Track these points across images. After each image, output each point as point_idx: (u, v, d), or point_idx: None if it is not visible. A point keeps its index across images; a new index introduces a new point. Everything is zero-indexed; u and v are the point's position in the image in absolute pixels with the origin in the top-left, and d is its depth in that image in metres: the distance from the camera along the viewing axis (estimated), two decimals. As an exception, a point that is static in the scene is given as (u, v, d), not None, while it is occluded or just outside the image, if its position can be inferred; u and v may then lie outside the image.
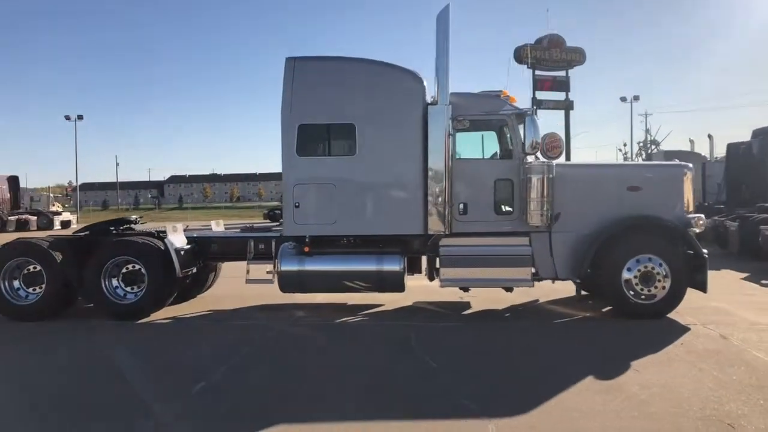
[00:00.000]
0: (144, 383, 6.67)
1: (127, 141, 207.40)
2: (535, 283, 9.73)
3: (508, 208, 9.74)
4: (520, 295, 11.01)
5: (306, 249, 9.82)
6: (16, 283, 10.05)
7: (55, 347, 8.42)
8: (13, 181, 45.45)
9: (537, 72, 38.23)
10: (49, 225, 42.97)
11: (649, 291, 9.36)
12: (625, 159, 58.29)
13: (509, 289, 10.15)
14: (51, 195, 59.21)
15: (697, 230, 9.64)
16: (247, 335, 8.78)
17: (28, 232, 39.27)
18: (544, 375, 6.74)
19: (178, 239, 10.05)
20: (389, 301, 10.87)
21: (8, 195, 44.58)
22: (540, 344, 8.20)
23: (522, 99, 10.15)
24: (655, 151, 52.26)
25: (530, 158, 9.81)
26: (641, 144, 60.00)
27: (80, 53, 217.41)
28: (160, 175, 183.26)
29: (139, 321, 9.68)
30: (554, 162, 9.78)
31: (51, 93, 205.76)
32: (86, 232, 10.75)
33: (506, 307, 10.52)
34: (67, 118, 66.94)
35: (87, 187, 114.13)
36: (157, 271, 9.74)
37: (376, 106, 9.68)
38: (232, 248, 10.60)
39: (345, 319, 9.84)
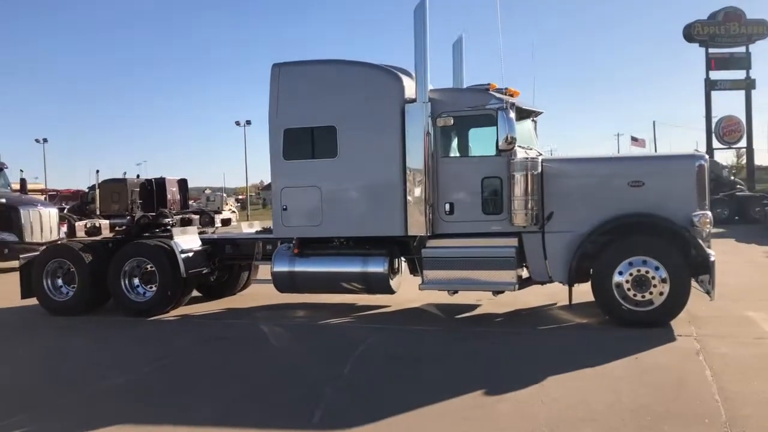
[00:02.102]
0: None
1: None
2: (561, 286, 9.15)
3: (496, 208, 9.28)
4: (538, 298, 10.39)
5: (295, 251, 10.04)
6: (59, 282, 11.22)
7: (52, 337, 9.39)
8: (182, 183, 49.91)
9: (710, 50, 35.60)
10: (211, 222, 46.69)
11: (643, 297, 8.50)
12: None
13: (496, 293, 9.66)
14: (224, 195, 64.24)
15: (704, 230, 8.57)
16: (215, 332, 9.32)
17: (192, 229, 42.78)
18: (439, 385, 6.40)
19: (186, 241, 10.67)
20: (398, 302, 10.71)
21: (178, 196, 49.04)
22: (484, 351, 7.78)
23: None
24: None
25: (526, 153, 9.31)
26: None
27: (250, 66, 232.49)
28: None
29: (151, 318, 10.42)
30: (541, 157, 9.18)
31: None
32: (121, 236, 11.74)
33: (508, 311, 10.01)
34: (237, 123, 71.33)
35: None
36: (165, 271, 10.43)
37: (355, 108, 9.64)
38: (244, 249, 11.07)
39: (330, 320, 9.91)
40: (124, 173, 43.08)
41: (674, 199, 8.79)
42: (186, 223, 44.84)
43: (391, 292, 9.88)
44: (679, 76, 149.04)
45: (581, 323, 9.04)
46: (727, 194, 29.32)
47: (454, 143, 9.70)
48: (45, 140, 69.68)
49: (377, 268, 9.64)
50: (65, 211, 38.49)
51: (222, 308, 11.22)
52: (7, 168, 20.83)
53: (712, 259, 8.38)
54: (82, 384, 6.96)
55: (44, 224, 18.97)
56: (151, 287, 10.71)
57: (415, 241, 9.66)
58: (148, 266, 10.70)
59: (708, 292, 8.53)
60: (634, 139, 66.37)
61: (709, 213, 8.60)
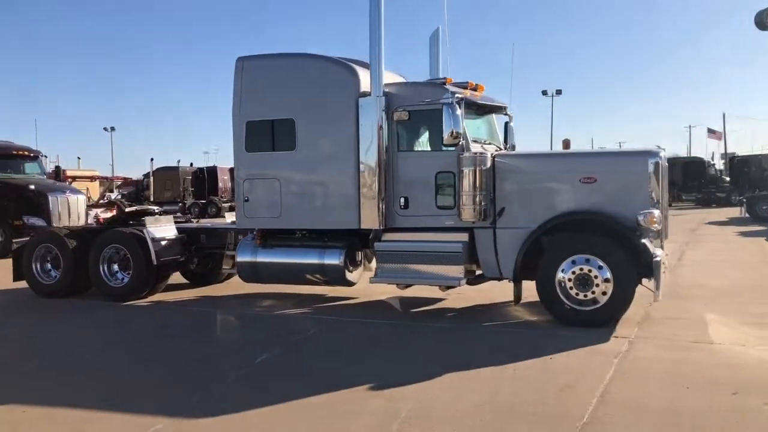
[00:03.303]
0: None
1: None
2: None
3: (449, 203, 9.23)
4: (507, 293, 10.24)
5: (257, 241, 10.25)
6: (48, 266, 11.77)
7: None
8: (234, 171, 51.09)
9: (786, 36, 33.96)
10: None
11: (585, 296, 8.32)
12: None
13: (444, 288, 9.60)
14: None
15: (651, 228, 8.31)
16: (171, 318, 9.69)
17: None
18: (338, 378, 6.45)
19: (160, 230, 11.01)
20: (368, 294, 10.74)
21: (230, 184, 50.25)
22: (412, 346, 7.79)
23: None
24: None
25: (483, 148, 9.26)
26: None
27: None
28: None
29: (126, 303, 10.83)
30: (489, 153, 9.07)
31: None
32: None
33: (465, 306, 9.95)
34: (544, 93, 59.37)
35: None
36: (139, 258, 10.81)
37: (312, 101, 9.73)
38: (219, 239, 11.35)
39: (290, 310, 10.07)
40: (178, 161, 44.36)
41: (626, 197, 8.56)
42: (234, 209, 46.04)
43: (349, 284, 9.97)
44: (751, 65, 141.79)
45: (530, 321, 8.92)
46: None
47: (410, 137, 9.66)
48: (113, 128, 72.81)
49: (333, 260, 9.74)
50: (118, 198, 40.04)
51: (198, 296, 11.55)
52: (44, 156, 21.91)
53: (657, 259, 8.13)
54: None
55: (72, 210, 19.82)
56: (128, 273, 11.11)
57: (371, 235, 9.70)
58: (126, 253, 11.10)
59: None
60: (711, 131, 64.04)
61: (657, 212, 8.30)
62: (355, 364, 7.05)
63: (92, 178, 37.21)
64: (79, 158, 55.27)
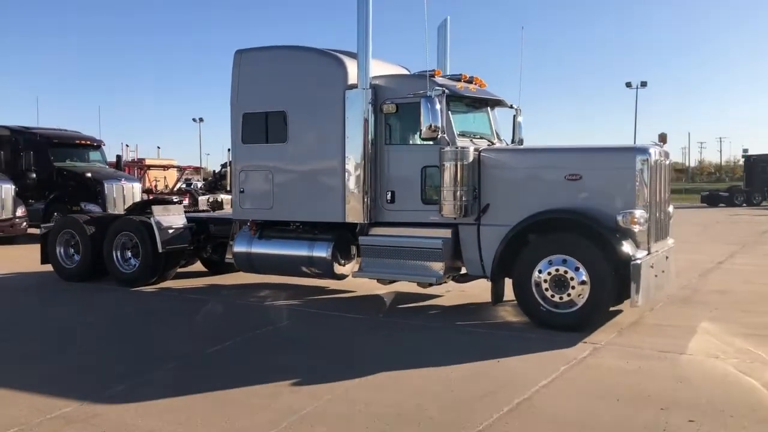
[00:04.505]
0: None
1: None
2: None
3: (434, 198, 9.04)
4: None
5: (252, 232, 10.38)
6: (71, 251, 12.34)
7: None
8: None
9: None
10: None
11: (561, 298, 7.97)
12: None
13: (424, 285, 9.40)
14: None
15: (632, 229, 7.85)
16: (161, 305, 10.04)
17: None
18: (267, 372, 6.44)
19: (168, 219, 11.31)
20: (367, 288, 10.68)
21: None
22: (370, 344, 7.67)
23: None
24: None
25: (473, 143, 9.03)
26: None
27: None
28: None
29: (135, 288, 11.21)
30: (472, 147, 8.79)
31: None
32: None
33: (453, 305, 9.73)
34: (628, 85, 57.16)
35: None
36: (147, 245, 11.16)
37: (303, 93, 9.74)
38: (226, 229, 11.55)
39: (279, 301, 10.17)
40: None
41: (611, 196, 8.14)
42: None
43: (338, 277, 9.95)
44: None
45: (509, 322, 8.63)
46: None
47: (398, 131, 9.50)
48: (201, 119, 75.46)
49: (321, 253, 9.74)
50: (195, 186, 41.35)
51: (207, 284, 11.82)
52: (104, 145, 22.95)
53: (636, 262, 7.68)
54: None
55: (127, 197, 20.64)
56: (140, 260, 11.49)
57: (357, 228, 9.63)
58: (136, 240, 11.49)
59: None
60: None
61: (638, 212, 7.83)
62: (300, 358, 7.01)
63: (165, 167, 38.58)
64: (158, 147, 57.63)
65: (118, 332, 8.31)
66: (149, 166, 36.99)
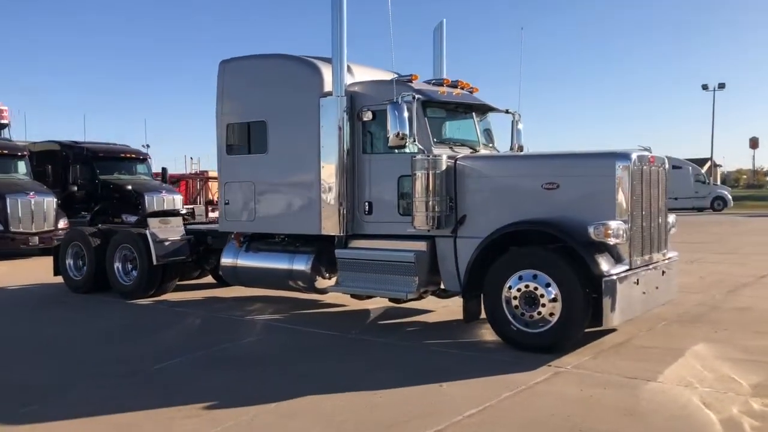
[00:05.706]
0: None
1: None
2: None
3: (411, 209, 8.58)
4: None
5: (237, 244, 10.19)
6: (80, 262, 12.50)
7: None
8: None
9: None
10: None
11: (531, 317, 7.37)
12: None
13: (397, 301, 8.92)
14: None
15: (606, 242, 7.18)
16: (144, 319, 9.98)
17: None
18: (198, 390, 6.19)
19: (163, 231, 11.27)
20: (361, 304, 10.26)
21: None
22: (325, 363, 7.26)
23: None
24: None
25: (453, 151, 8.58)
26: None
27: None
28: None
29: (131, 300, 11.22)
30: (445, 155, 8.29)
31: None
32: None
33: (435, 321, 9.23)
34: (704, 87, 54.49)
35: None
36: (143, 258, 11.16)
37: (281, 102, 9.50)
38: (223, 241, 11.41)
39: (262, 316, 9.91)
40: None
41: (588, 205, 7.50)
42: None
43: (319, 291, 9.62)
44: None
45: (482, 342, 8.07)
46: None
47: (375, 139, 9.08)
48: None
49: (300, 266, 9.45)
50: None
51: (206, 296, 11.70)
52: (150, 158, 23.50)
53: (610, 278, 7.01)
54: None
55: (167, 208, 21.03)
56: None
57: (336, 241, 9.27)
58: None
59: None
60: None
61: (614, 223, 7.15)
62: (235, 377, 6.70)
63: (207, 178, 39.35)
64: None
65: (75, 347, 8.16)
66: (210, 178, 37.67)
